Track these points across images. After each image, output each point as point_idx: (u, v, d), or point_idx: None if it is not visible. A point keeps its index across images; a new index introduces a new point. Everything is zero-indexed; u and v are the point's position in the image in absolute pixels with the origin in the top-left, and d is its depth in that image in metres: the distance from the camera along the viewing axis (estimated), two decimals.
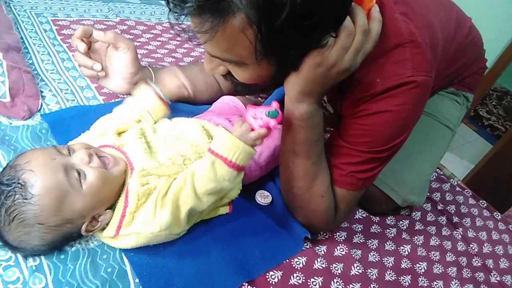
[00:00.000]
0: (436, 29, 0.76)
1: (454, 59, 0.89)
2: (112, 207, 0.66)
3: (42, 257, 0.62)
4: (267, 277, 0.72)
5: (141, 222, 0.63)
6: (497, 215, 1.19)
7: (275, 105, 0.67)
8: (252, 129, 0.66)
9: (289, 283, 0.72)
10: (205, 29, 0.53)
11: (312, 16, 0.52)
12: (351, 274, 0.79)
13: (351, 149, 0.72)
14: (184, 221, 0.67)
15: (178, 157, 0.71)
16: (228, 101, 0.99)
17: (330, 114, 0.87)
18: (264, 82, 0.67)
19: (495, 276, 0.98)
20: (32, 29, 1.17)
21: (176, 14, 0.53)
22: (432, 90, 0.95)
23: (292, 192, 0.79)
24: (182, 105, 0.99)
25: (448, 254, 0.97)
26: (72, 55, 1.11)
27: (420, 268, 0.90)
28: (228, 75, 0.69)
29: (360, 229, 0.93)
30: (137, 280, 0.64)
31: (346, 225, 0.91)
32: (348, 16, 0.58)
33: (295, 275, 0.74)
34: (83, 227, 0.62)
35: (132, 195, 0.64)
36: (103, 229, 0.66)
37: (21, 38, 1.11)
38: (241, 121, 0.66)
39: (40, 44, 1.12)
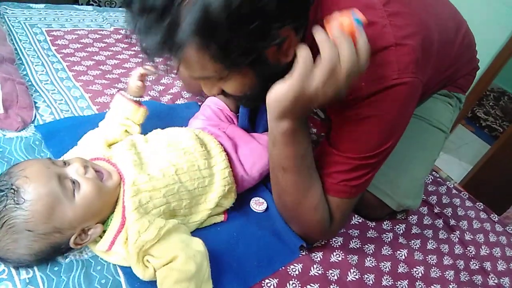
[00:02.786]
0: (432, 30, 0.74)
1: (451, 62, 0.89)
2: (103, 222, 0.66)
3: (36, 269, 0.62)
4: (263, 285, 0.72)
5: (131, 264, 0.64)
6: (494, 217, 1.18)
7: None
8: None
9: None
10: (172, 62, 0.59)
11: (254, 18, 0.52)
12: (347, 280, 0.79)
13: (341, 157, 0.71)
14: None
15: (170, 168, 0.71)
16: (210, 104, 0.99)
17: (322, 119, 0.87)
18: (252, 89, 0.66)
19: (493, 279, 0.97)
20: (26, 40, 1.18)
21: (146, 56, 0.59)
22: (427, 94, 0.95)
23: (284, 206, 0.79)
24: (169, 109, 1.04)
25: (445, 258, 0.97)
26: (66, 65, 1.12)
27: (417, 272, 0.90)
28: (224, 92, 0.69)
29: (356, 234, 0.92)
30: None
31: (342, 231, 0.91)
32: (305, 46, 0.57)
33: (291, 282, 0.73)
34: (72, 239, 0.62)
35: (131, 218, 0.63)
36: (96, 242, 0.65)
37: (15, 49, 1.11)
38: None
39: (34, 55, 1.12)
